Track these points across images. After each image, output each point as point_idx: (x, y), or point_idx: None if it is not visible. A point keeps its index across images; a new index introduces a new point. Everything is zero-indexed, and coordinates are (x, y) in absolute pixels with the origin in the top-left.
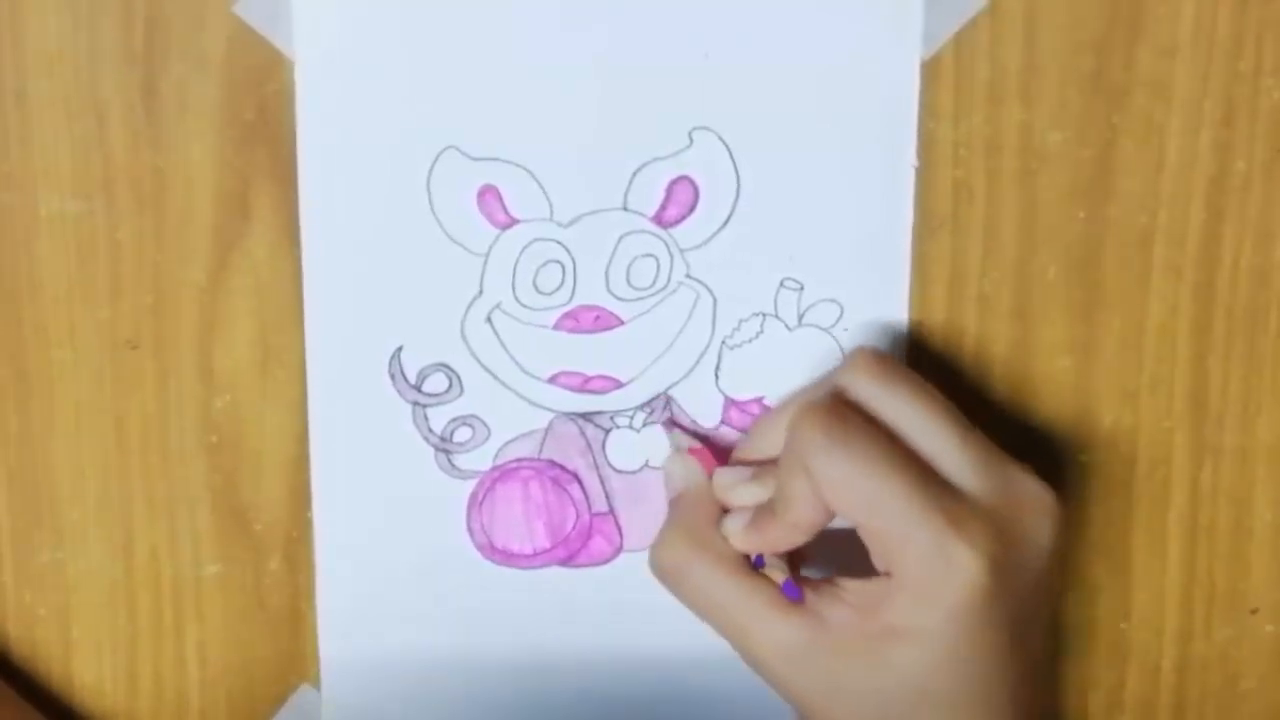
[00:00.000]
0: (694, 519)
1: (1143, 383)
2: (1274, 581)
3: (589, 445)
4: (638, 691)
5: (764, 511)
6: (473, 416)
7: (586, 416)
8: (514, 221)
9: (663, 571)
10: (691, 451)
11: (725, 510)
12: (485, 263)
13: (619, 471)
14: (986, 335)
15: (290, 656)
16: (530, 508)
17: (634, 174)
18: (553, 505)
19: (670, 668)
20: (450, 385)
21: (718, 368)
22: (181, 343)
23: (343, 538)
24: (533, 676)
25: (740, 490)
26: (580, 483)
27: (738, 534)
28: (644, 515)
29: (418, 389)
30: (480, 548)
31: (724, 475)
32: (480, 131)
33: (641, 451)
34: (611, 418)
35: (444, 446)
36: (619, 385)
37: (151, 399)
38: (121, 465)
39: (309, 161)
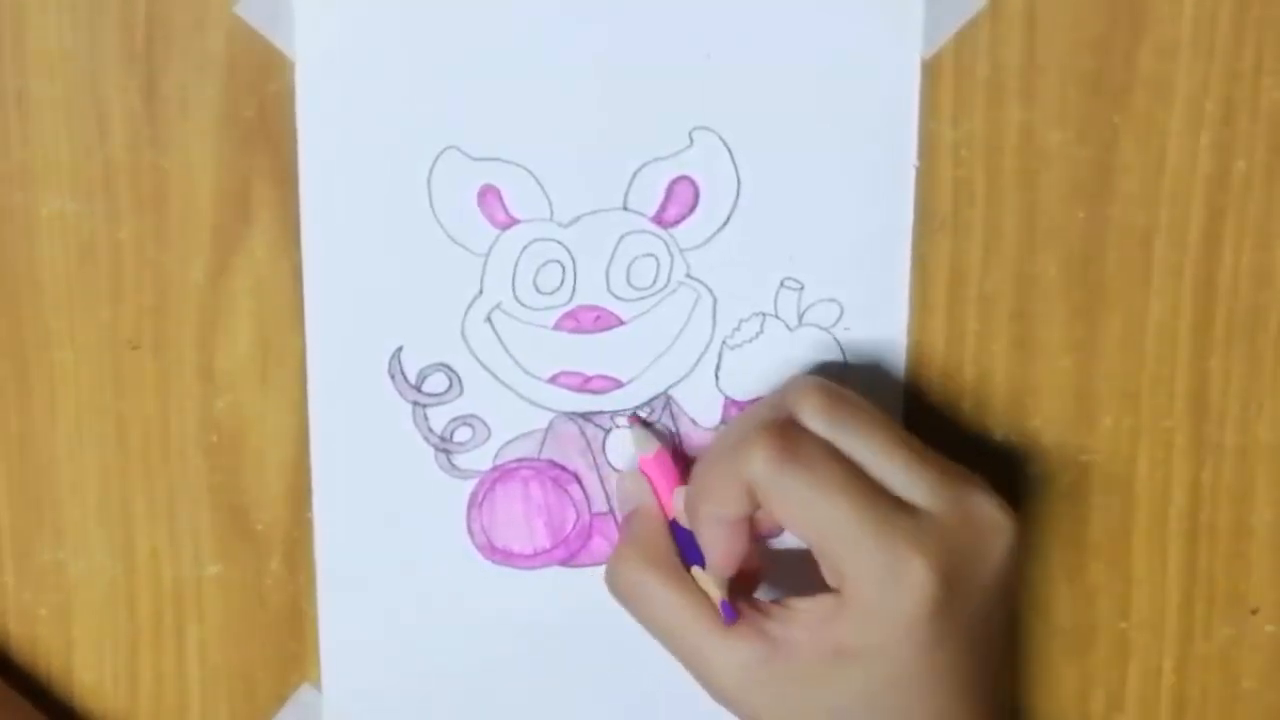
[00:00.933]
0: (648, 536)
1: (1143, 383)
2: (1274, 581)
3: (589, 445)
4: (638, 691)
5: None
6: (473, 416)
7: (587, 416)
8: (514, 221)
9: (618, 590)
10: (655, 457)
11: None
12: (485, 262)
13: (619, 471)
14: (987, 335)
15: (291, 656)
16: (530, 508)
17: (634, 174)
18: (553, 505)
19: (670, 668)
20: (450, 385)
21: (718, 367)
22: (182, 343)
23: (343, 538)
24: (533, 676)
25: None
26: (580, 483)
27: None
28: None
29: (418, 389)
30: (480, 548)
31: (681, 499)
32: (481, 131)
33: None
34: (611, 417)
35: (444, 446)
36: (619, 385)
37: (152, 399)
38: (122, 465)
39: (309, 161)
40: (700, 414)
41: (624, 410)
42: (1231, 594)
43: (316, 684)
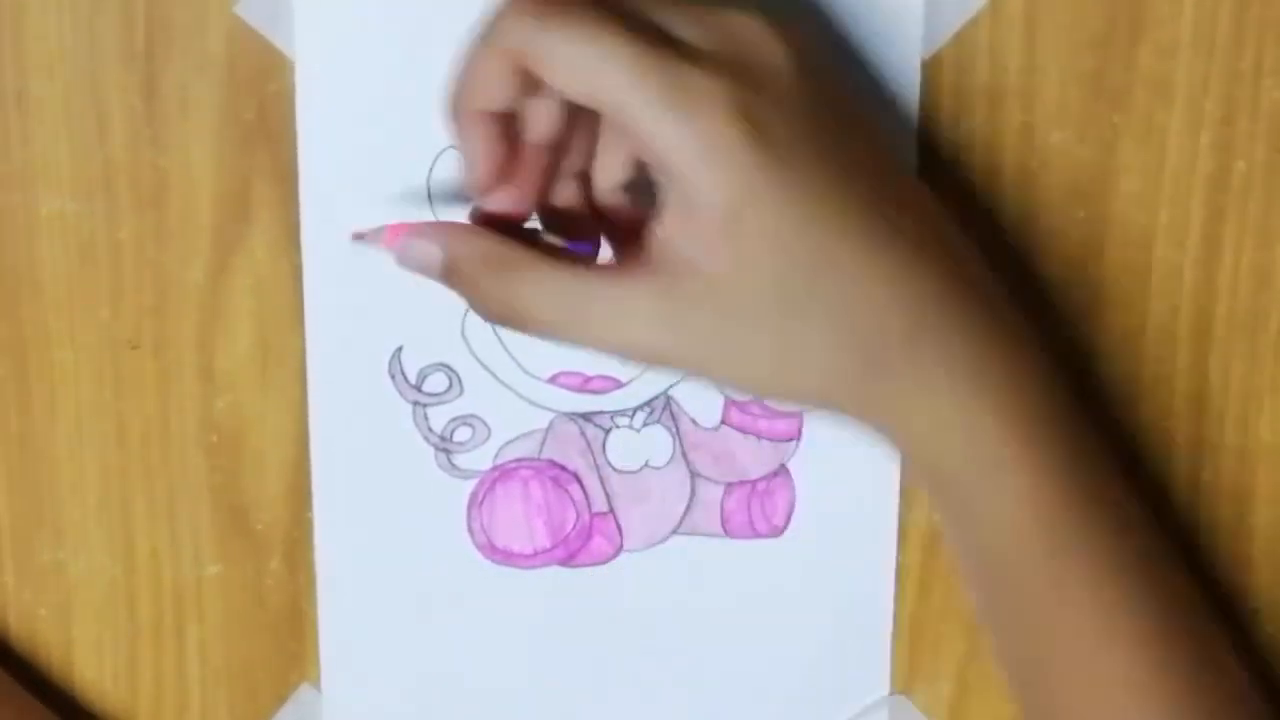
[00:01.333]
0: (472, 259)
1: (1143, 383)
2: (1274, 581)
3: (589, 445)
4: (637, 691)
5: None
6: (473, 416)
7: (587, 416)
8: None
9: (496, 315)
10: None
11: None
12: None
13: (619, 471)
14: None
15: (291, 656)
16: (530, 507)
17: None
18: (553, 505)
19: (670, 667)
20: (450, 385)
21: None
22: (182, 343)
23: (343, 537)
24: (533, 677)
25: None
26: (580, 482)
27: (493, 200)
28: (644, 515)
29: (418, 389)
30: (480, 547)
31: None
32: None
33: (641, 451)
34: (611, 417)
35: (444, 446)
36: (619, 385)
37: (152, 399)
38: (122, 465)
39: (309, 161)
40: (700, 414)
41: (624, 410)
42: (1231, 594)
43: (316, 684)
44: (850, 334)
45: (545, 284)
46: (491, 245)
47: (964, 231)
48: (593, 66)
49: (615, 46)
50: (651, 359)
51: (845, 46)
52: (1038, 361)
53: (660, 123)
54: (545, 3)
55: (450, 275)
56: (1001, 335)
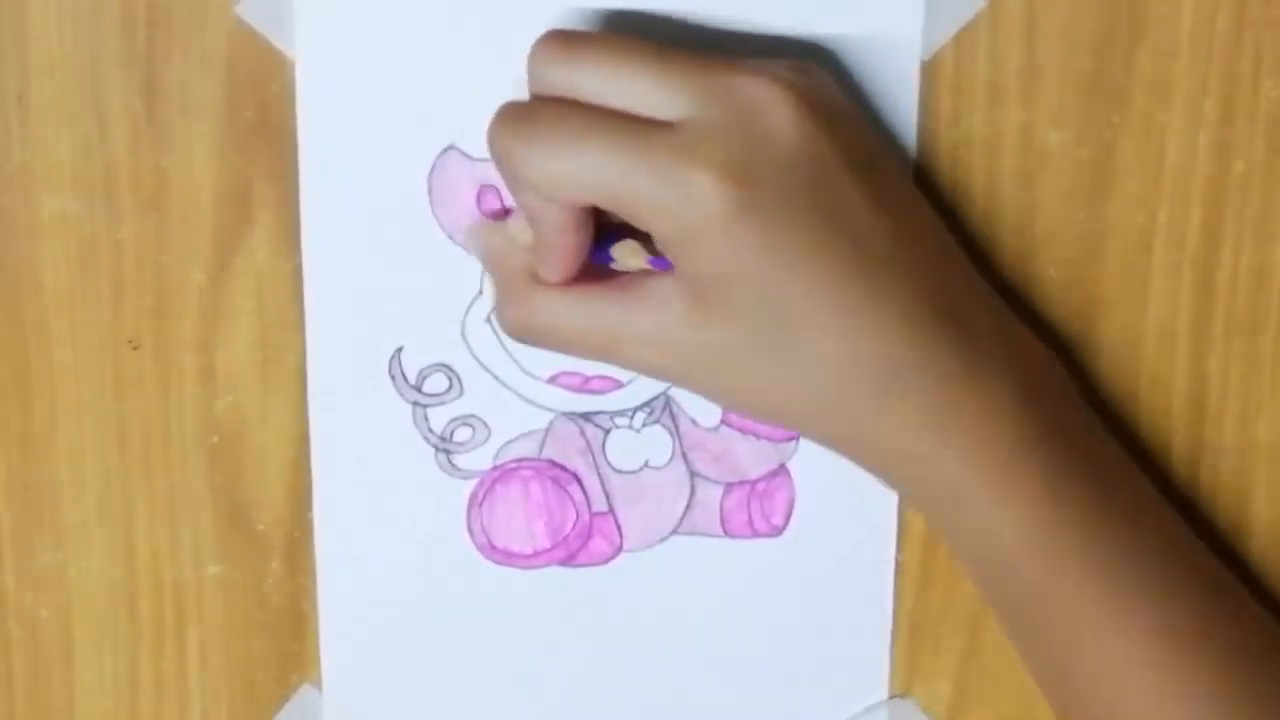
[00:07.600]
0: (510, 270)
1: (1143, 383)
2: (1274, 582)
3: (589, 445)
4: (637, 691)
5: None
6: (473, 416)
7: (587, 416)
8: None
9: (515, 331)
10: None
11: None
12: None
13: (619, 471)
14: None
15: (291, 656)
16: (530, 508)
17: None
18: (553, 505)
19: (670, 668)
20: (450, 385)
21: None
22: (182, 343)
23: (343, 538)
24: (533, 677)
25: (523, 227)
26: (580, 483)
27: (540, 268)
28: (644, 515)
29: (418, 389)
30: (480, 548)
31: (510, 224)
32: (481, 131)
33: (641, 451)
34: (611, 418)
35: (444, 446)
36: (619, 385)
37: (153, 400)
38: (123, 466)
39: (309, 161)
40: (700, 414)
41: (624, 410)
42: None
43: (317, 684)
44: (816, 384)
45: (561, 304)
46: (517, 271)
47: (958, 243)
48: (577, 174)
49: (589, 153)
50: (648, 374)
51: (845, 47)
52: (1019, 385)
53: (650, 212)
54: (523, 118)
55: (493, 275)
56: (980, 371)
